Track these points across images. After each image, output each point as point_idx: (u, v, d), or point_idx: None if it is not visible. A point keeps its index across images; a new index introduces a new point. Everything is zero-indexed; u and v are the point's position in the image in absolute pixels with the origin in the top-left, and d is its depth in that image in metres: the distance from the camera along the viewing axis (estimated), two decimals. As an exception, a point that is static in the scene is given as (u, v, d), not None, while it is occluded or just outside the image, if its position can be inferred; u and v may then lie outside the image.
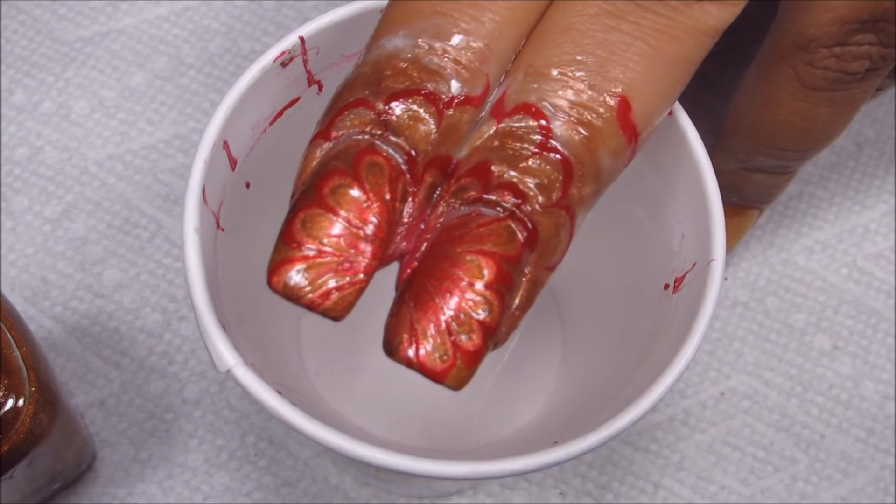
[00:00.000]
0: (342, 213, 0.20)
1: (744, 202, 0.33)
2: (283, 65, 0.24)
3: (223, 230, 0.25)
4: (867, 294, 0.37)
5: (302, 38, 0.24)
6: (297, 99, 0.26)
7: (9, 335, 0.29)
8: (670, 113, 0.25)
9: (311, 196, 0.21)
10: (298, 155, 0.22)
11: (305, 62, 0.25)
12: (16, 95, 0.38)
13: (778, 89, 0.28)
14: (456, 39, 0.22)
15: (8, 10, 0.39)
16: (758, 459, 0.35)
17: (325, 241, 0.20)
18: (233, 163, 0.25)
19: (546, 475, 0.34)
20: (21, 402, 0.28)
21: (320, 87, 0.26)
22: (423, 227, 0.22)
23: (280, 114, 0.25)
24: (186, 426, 0.34)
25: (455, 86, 0.22)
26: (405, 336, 0.20)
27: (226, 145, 0.24)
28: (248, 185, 0.26)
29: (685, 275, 0.25)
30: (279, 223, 0.21)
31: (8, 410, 0.28)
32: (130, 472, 0.33)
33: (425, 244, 0.21)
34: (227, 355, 0.22)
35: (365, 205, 0.21)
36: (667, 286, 0.26)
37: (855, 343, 0.36)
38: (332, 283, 0.20)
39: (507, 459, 0.22)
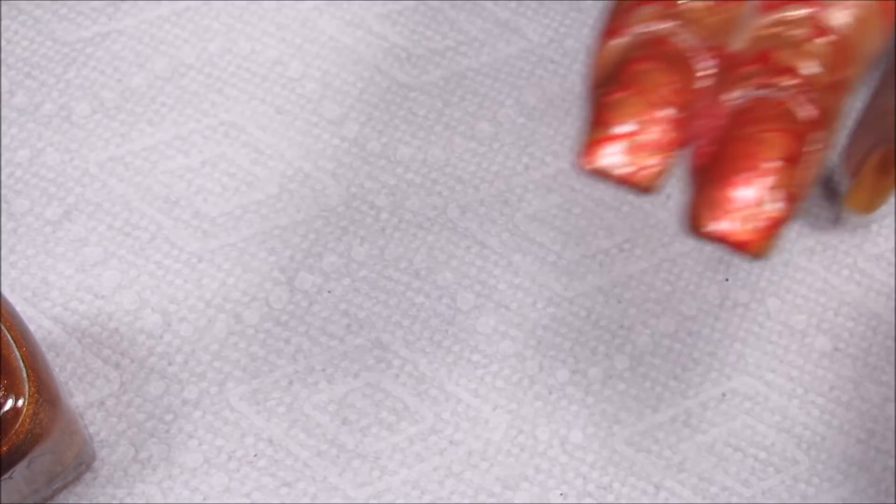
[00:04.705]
0: (648, 96, 0.22)
1: None
2: None
3: None
4: (868, 296, 0.37)
5: None
6: None
7: (8, 336, 0.29)
8: None
9: (618, 81, 0.22)
10: None
11: None
12: (17, 97, 0.38)
13: None
14: None
15: (8, 10, 0.39)
16: (759, 461, 0.34)
17: (633, 121, 0.22)
18: None
19: (548, 476, 0.34)
20: (21, 402, 0.28)
21: None
22: (713, 114, 0.23)
23: None
24: (186, 427, 0.34)
25: None
26: (710, 213, 0.22)
27: None
28: None
29: None
30: None
31: (8, 410, 0.28)
32: (130, 473, 0.33)
33: (717, 129, 0.23)
34: None
35: (667, 88, 0.22)
36: None
37: (855, 345, 0.36)
38: (639, 160, 0.22)
39: None
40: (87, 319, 0.35)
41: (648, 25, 0.23)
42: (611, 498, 0.34)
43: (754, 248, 0.22)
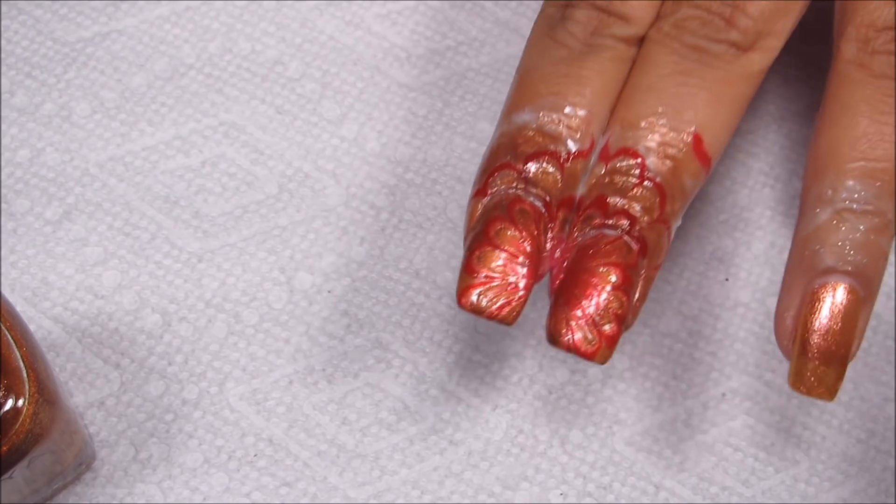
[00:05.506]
0: (505, 247, 0.28)
1: (844, 269, 0.29)
2: None
3: None
4: (868, 296, 0.37)
5: None
6: None
7: (8, 336, 0.29)
8: None
9: (481, 238, 0.28)
10: None
11: None
12: (17, 97, 0.38)
13: (851, 92, 0.30)
14: (567, 110, 0.30)
15: (8, 10, 0.39)
16: (759, 460, 0.34)
17: (495, 268, 0.28)
18: None
19: (548, 476, 0.34)
20: (21, 402, 0.28)
21: None
22: (562, 250, 0.29)
23: None
24: (186, 426, 0.34)
25: (570, 144, 0.30)
26: (563, 330, 0.28)
27: None
28: None
29: None
30: None
31: (8, 410, 0.28)
32: (130, 473, 0.33)
33: (567, 261, 0.29)
34: None
35: (520, 240, 0.28)
36: None
37: (856, 345, 0.36)
38: (503, 300, 0.28)
39: None
40: (87, 319, 0.35)
41: (502, 188, 0.29)
42: (611, 498, 0.34)
43: (597, 357, 0.28)
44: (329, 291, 0.36)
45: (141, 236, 0.36)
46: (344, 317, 0.36)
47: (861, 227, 0.29)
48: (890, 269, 0.37)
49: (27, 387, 0.28)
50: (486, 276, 0.28)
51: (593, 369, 0.35)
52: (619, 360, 0.35)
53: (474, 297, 0.28)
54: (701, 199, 0.38)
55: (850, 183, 0.30)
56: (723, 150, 0.31)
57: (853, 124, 0.30)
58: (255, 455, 0.34)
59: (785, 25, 0.31)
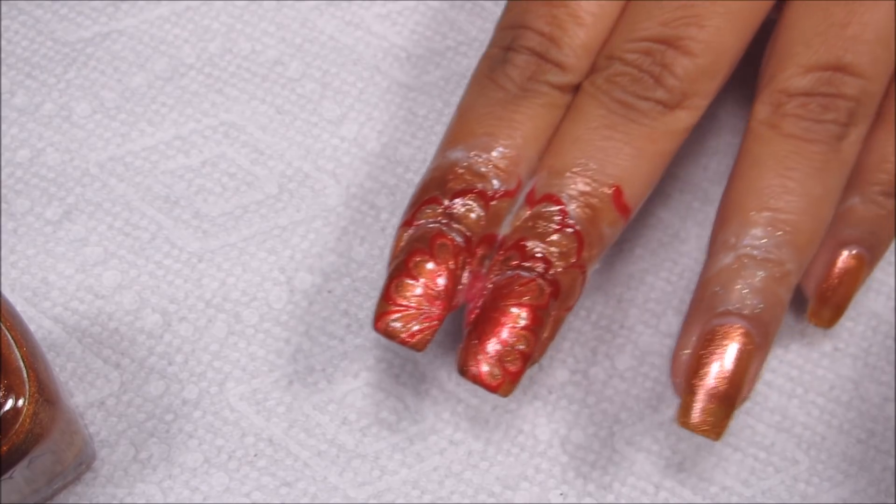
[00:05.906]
0: (421, 279, 0.30)
1: (740, 312, 0.31)
2: None
3: None
4: (867, 296, 0.37)
5: None
6: None
7: (9, 335, 0.29)
8: None
9: (401, 268, 0.30)
10: None
11: None
12: (17, 97, 0.38)
13: (760, 149, 0.32)
14: (497, 152, 0.31)
15: (9, 10, 0.39)
16: (759, 460, 0.35)
17: (411, 297, 0.30)
18: None
19: (548, 476, 0.34)
20: (21, 402, 0.28)
21: None
22: (479, 285, 0.30)
23: None
24: (186, 426, 0.34)
25: (496, 184, 0.31)
26: (471, 363, 0.30)
27: None
28: None
29: None
30: None
31: (8, 410, 0.28)
32: (130, 473, 0.33)
33: (482, 298, 0.30)
34: None
35: (437, 273, 0.30)
36: None
37: (855, 345, 0.36)
38: (416, 327, 0.30)
39: None
40: (87, 319, 0.35)
41: (428, 221, 0.30)
42: (611, 498, 0.34)
43: (500, 390, 0.29)
44: (329, 291, 0.36)
45: (141, 236, 0.36)
46: (344, 317, 0.36)
47: (760, 274, 0.31)
48: (889, 270, 0.37)
49: (27, 387, 0.28)
50: (403, 305, 0.30)
51: (593, 369, 0.35)
52: (619, 359, 0.35)
53: (389, 323, 0.30)
54: (700, 198, 0.38)
55: (753, 231, 0.31)
56: (643, 199, 0.32)
57: (759, 176, 0.31)
58: (255, 455, 0.34)
59: (711, 86, 0.32)
